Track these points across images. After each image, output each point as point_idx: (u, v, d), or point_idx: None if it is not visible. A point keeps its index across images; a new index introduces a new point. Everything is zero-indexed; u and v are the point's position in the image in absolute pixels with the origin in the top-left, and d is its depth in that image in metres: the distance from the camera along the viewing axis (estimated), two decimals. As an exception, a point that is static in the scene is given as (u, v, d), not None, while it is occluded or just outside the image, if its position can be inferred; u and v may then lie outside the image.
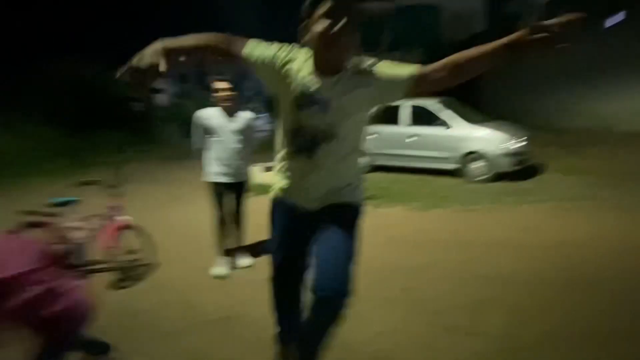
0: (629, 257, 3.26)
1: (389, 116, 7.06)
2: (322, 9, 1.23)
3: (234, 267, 3.26)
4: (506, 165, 6.17)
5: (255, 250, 3.41)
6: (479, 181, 6.24)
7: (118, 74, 1.15)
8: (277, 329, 1.72)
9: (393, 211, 4.98)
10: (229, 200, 3.16)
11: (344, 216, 1.43)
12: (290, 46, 1.37)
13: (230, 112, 3.04)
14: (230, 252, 3.25)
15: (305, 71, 1.34)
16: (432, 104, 6.81)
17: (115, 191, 3.23)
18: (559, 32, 1.08)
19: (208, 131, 3.04)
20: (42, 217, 3.09)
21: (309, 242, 1.47)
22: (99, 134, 12.17)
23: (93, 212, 3.20)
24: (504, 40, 1.18)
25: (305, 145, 1.38)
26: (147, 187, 6.89)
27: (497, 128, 6.63)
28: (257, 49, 1.33)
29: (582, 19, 1.06)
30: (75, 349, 1.71)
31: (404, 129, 7.04)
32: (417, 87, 1.29)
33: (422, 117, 6.88)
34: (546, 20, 1.08)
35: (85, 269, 2.98)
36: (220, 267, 3.15)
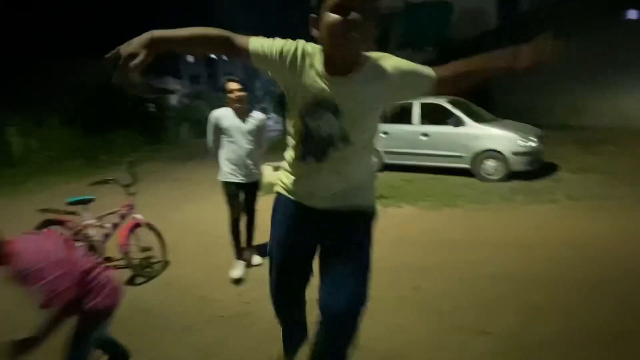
0: (646, 257, 3.19)
1: (401, 115, 7.02)
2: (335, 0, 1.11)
3: (249, 266, 3.27)
4: (520, 164, 6.08)
5: (265, 248, 3.44)
6: (491, 180, 6.17)
7: (105, 57, 1.04)
8: (282, 333, 1.69)
9: (404, 210, 4.96)
10: (243, 199, 3.18)
11: (358, 228, 1.35)
12: (298, 41, 1.26)
13: (243, 113, 3.07)
14: (243, 252, 3.27)
15: (316, 70, 1.22)
16: (445, 102, 6.74)
17: (129, 190, 3.29)
18: (537, 58, 1.18)
19: (221, 132, 3.07)
20: (60, 215, 3.17)
21: (315, 245, 1.40)
22: (113, 134, 12.40)
23: (108, 211, 3.27)
24: (500, 62, 1.25)
25: (315, 149, 1.28)
26: (160, 185, 6.99)
27: (511, 126, 6.54)
28: (263, 45, 1.22)
29: (556, 46, 1.16)
30: (99, 346, 1.76)
31: (416, 127, 6.99)
32: (434, 89, 1.27)
33: (435, 115, 6.82)
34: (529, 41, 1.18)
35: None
36: (237, 269, 3.15)
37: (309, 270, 1.50)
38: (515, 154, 6.08)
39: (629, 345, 2.09)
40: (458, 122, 6.54)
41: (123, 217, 3.24)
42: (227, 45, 1.18)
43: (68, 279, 1.50)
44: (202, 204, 5.57)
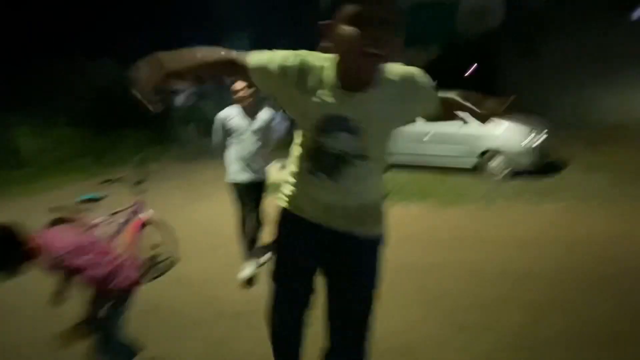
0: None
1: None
2: (355, 8, 0.97)
3: (259, 266, 3.26)
4: (526, 162, 6.05)
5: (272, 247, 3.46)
6: (497, 179, 6.15)
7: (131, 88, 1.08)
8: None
9: (409, 209, 4.97)
10: (250, 199, 3.19)
11: (368, 259, 1.28)
12: (303, 54, 1.13)
13: (250, 112, 3.07)
14: (252, 251, 3.27)
15: (329, 84, 1.09)
16: (455, 96, 6.72)
17: (138, 188, 3.35)
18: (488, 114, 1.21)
19: (229, 131, 3.08)
20: (71, 213, 3.23)
21: (320, 266, 1.33)
22: (121, 134, 12.52)
23: (117, 209, 3.33)
24: (468, 108, 1.24)
25: (327, 166, 1.18)
26: (168, 184, 7.07)
27: (517, 123, 6.51)
28: (265, 60, 1.11)
29: (504, 110, 1.19)
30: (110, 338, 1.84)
31: (421, 126, 6.98)
32: (435, 114, 1.25)
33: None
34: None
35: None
36: (246, 270, 3.15)
37: (312, 292, 1.39)
38: (522, 152, 6.05)
39: (632, 344, 2.10)
40: (464, 120, 6.51)
41: (134, 214, 3.29)
42: (231, 69, 1.14)
43: (96, 260, 1.67)
44: (210, 203, 5.63)
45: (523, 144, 6.07)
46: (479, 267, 3.14)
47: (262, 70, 1.11)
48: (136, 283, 1.85)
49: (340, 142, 1.14)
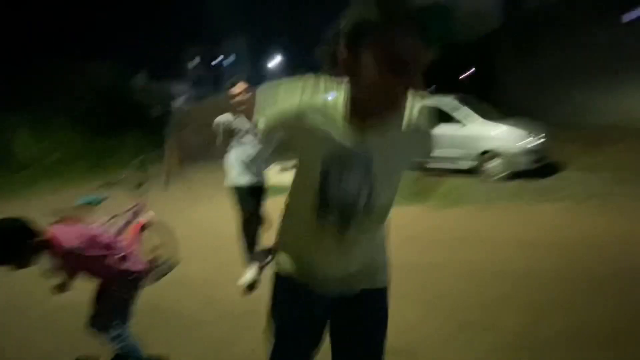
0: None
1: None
2: (379, 39, 0.84)
3: (261, 270, 3.23)
4: (524, 163, 6.08)
5: (272, 251, 3.44)
6: (496, 180, 6.17)
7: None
8: None
9: (409, 210, 4.98)
10: (251, 202, 3.15)
11: (379, 311, 1.18)
12: (308, 83, 0.99)
13: (250, 115, 3.02)
14: (253, 254, 3.24)
15: (340, 121, 0.97)
16: (448, 102, 6.76)
17: (139, 190, 3.35)
18: None
19: (231, 134, 3.05)
20: (71, 216, 3.24)
21: (323, 334, 1.21)
22: (121, 136, 12.53)
23: (118, 211, 3.33)
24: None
25: (334, 219, 1.04)
26: (168, 186, 7.07)
27: (515, 125, 6.54)
28: (266, 127, 1.02)
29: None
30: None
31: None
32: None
33: (437, 116, 6.84)
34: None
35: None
36: (248, 275, 3.11)
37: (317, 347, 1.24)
38: (521, 153, 6.08)
39: (632, 344, 2.10)
40: (464, 122, 6.55)
41: (134, 216, 3.30)
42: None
43: (106, 249, 1.81)
44: (210, 204, 5.63)
45: (521, 145, 6.10)
46: (479, 267, 3.14)
47: (270, 135, 1.05)
48: (146, 269, 1.99)
49: (351, 185, 1.01)
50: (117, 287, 1.88)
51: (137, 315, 2.18)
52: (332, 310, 1.17)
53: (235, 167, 3.10)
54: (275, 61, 43.04)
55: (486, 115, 6.97)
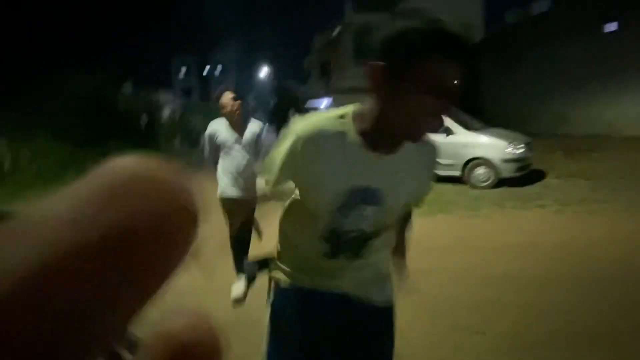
0: (633, 257, 3.29)
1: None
2: (429, 60, 0.79)
3: (251, 282, 3.18)
4: (509, 171, 6.22)
5: (263, 262, 3.40)
6: (482, 187, 6.29)
7: None
8: None
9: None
10: (241, 213, 3.10)
11: (389, 327, 1.21)
12: (306, 132, 0.91)
13: (238, 126, 2.99)
14: (243, 264, 3.19)
15: (351, 150, 0.91)
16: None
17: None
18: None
19: (217, 146, 3.01)
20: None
21: (332, 346, 1.15)
22: (105, 147, 12.35)
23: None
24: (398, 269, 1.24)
25: (345, 247, 1.01)
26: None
27: (499, 134, 6.71)
28: (276, 180, 0.99)
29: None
30: None
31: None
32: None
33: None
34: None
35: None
36: (238, 289, 3.05)
37: None
38: (505, 161, 6.23)
39: (626, 346, 2.16)
40: (449, 131, 6.68)
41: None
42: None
43: None
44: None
45: (505, 153, 6.25)
46: (467, 272, 3.19)
47: (281, 184, 1.01)
48: None
49: (363, 217, 0.96)
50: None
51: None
52: (341, 320, 1.11)
53: (224, 178, 3.04)
54: (263, 71, 43.22)
55: (471, 124, 7.13)
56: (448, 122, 6.73)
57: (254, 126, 3.07)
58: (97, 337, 0.11)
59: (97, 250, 0.11)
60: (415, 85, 0.80)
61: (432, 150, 1.04)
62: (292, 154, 0.92)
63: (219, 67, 48.50)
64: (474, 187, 6.36)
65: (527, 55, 12.86)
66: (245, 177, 3.03)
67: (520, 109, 12.77)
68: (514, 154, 6.27)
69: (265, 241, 3.44)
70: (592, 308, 2.53)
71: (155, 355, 0.12)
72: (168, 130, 17.50)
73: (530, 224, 4.43)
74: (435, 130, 0.87)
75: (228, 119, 2.98)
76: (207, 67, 48.41)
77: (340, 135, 0.90)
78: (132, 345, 0.15)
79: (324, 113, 0.96)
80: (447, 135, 6.64)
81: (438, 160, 1.08)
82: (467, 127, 6.84)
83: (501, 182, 6.23)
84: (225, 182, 3.05)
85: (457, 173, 6.59)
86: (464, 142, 6.54)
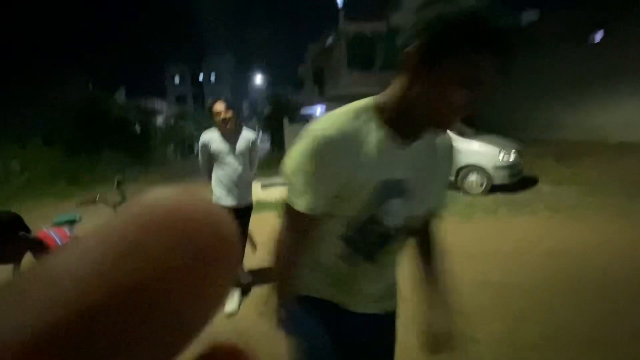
0: (625, 263, 3.32)
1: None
2: (467, 52, 0.75)
3: (245, 292, 3.15)
4: (501, 178, 6.28)
5: (260, 274, 3.33)
6: (474, 194, 6.34)
7: None
8: None
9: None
10: (235, 223, 3.07)
11: (393, 334, 1.20)
12: (325, 137, 0.83)
13: (231, 134, 2.97)
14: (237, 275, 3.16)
15: (377, 143, 0.86)
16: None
17: (118, 209, 3.28)
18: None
19: (211, 156, 2.98)
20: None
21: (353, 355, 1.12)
22: (97, 155, 12.26)
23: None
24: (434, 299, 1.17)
25: (366, 248, 0.96)
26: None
27: (492, 141, 6.78)
28: (309, 197, 0.87)
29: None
30: None
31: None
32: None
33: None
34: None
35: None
36: (231, 303, 2.98)
37: None
38: (497, 168, 6.29)
39: (618, 352, 2.17)
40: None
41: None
42: (307, 232, 0.93)
43: None
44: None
45: (498, 160, 6.32)
46: (460, 279, 3.18)
47: (317, 203, 0.88)
48: None
49: (391, 213, 0.92)
50: None
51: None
52: (359, 330, 1.09)
53: (218, 188, 3.01)
54: (257, 79, 43.31)
55: (462, 131, 7.21)
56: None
57: (247, 135, 3.04)
58: None
59: (109, 309, 0.10)
60: (448, 74, 0.77)
61: (450, 146, 1.02)
62: (320, 161, 0.84)
63: (213, 75, 48.57)
64: (466, 194, 6.40)
65: (517, 63, 13.06)
66: (240, 187, 3.00)
67: (511, 115, 12.93)
68: (506, 160, 6.34)
69: (259, 252, 3.43)
70: (584, 314, 2.55)
71: None
72: (161, 138, 17.42)
73: (523, 230, 4.46)
74: (455, 122, 0.83)
75: (221, 129, 2.94)
76: (201, 74, 48.45)
77: (365, 128, 0.86)
78: None
79: (341, 109, 0.89)
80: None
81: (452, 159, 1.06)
82: (460, 133, 6.92)
83: (493, 189, 6.29)
84: (219, 192, 3.00)
85: (449, 180, 6.63)
86: (457, 149, 6.58)
